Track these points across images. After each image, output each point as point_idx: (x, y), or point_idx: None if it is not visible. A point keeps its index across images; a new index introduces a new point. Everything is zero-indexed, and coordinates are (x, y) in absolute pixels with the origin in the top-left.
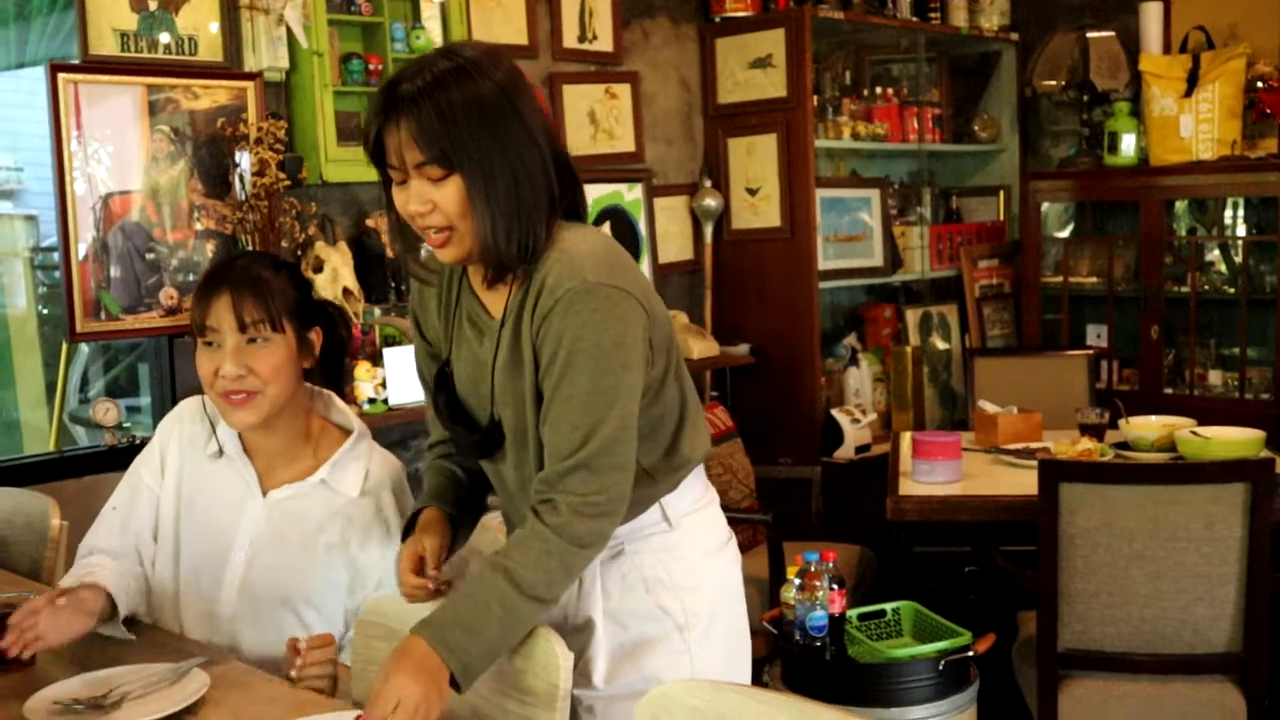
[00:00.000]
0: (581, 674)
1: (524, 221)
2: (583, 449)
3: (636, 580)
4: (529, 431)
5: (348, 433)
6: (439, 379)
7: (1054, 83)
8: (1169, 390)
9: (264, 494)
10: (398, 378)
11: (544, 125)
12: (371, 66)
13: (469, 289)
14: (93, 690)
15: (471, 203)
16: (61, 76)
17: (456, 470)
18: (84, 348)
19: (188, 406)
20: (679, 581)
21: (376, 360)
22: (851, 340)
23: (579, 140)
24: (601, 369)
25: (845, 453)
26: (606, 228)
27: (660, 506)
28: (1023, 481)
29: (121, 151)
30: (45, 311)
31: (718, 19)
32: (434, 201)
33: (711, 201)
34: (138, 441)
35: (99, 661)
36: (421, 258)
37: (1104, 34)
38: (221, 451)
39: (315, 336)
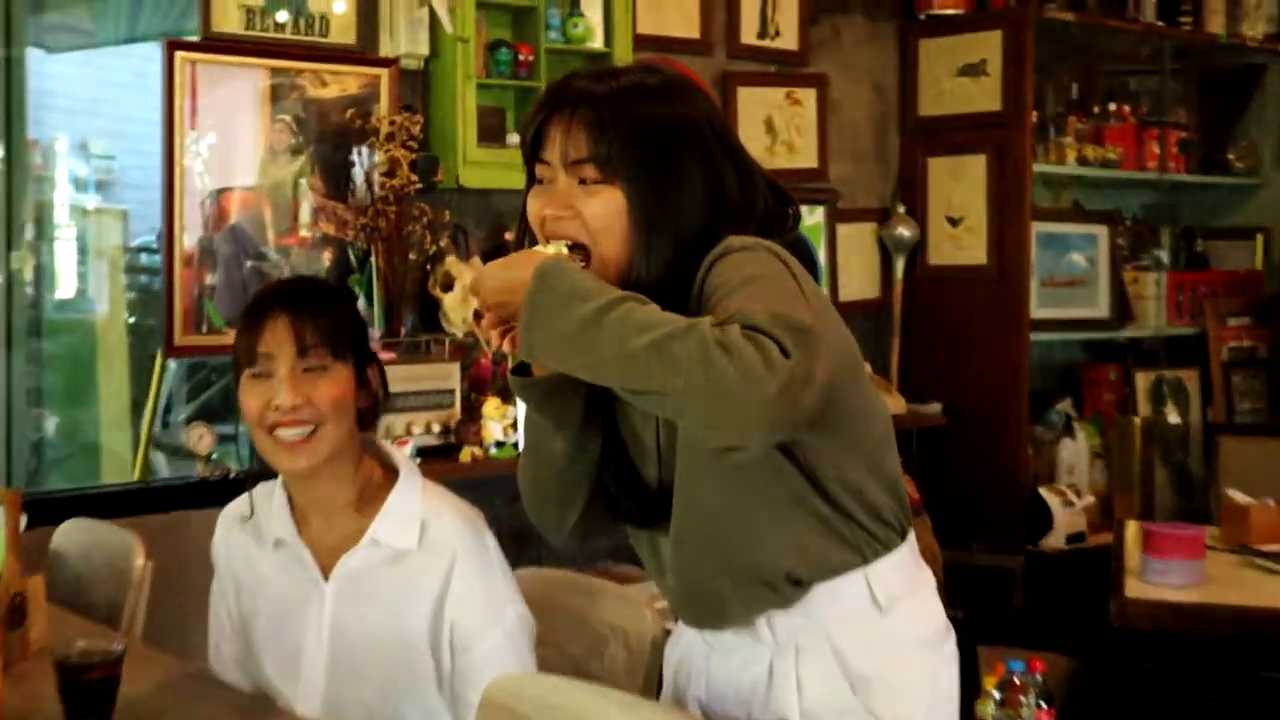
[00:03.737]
0: None
1: (676, 261)
2: (772, 324)
3: (841, 678)
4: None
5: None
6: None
7: None
8: None
9: (325, 578)
10: None
11: (736, 163)
12: (521, 57)
13: None
14: None
15: (622, 222)
16: (179, 55)
17: None
18: (173, 365)
19: (227, 511)
20: (893, 680)
21: (507, 397)
22: (1066, 406)
23: (753, 152)
24: (777, 287)
25: (1054, 541)
26: None
27: (867, 584)
28: None
29: (237, 142)
30: (133, 320)
31: (923, 16)
32: (575, 208)
33: (905, 231)
34: (231, 476)
35: None
36: None
37: None
38: (275, 542)
39: (373, 375)
